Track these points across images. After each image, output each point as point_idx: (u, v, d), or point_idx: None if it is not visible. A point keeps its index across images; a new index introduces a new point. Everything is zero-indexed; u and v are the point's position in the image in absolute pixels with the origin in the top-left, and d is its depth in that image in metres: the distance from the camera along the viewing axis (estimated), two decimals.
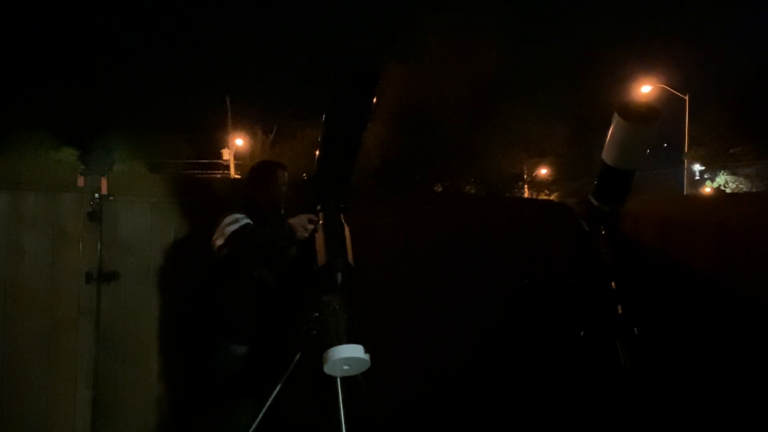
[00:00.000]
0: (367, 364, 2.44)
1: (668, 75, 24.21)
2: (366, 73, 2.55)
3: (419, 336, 4.17)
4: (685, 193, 22.86)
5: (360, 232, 2.80)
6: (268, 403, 2.62)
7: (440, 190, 19.54)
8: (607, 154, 2.87)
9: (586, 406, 3.19)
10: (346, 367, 2.42)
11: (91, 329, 3.51)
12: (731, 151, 21.64)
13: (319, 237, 2.66)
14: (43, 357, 3.42)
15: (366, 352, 2.42)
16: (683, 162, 24.64)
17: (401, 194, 5.77)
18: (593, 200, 3.01)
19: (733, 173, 22.62)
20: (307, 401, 2.61)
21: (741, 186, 21.83)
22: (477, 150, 19.24)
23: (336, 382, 2.46)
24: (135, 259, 3.61)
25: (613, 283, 2.82)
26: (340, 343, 2.40)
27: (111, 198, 3.57)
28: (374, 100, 2.59)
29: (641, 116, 2.76)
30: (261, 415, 2.63)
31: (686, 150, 23.45)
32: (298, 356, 2.63)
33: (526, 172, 23.88)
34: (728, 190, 21.98)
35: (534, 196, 21.75)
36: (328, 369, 2.39)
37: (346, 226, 2.71)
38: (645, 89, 23.67)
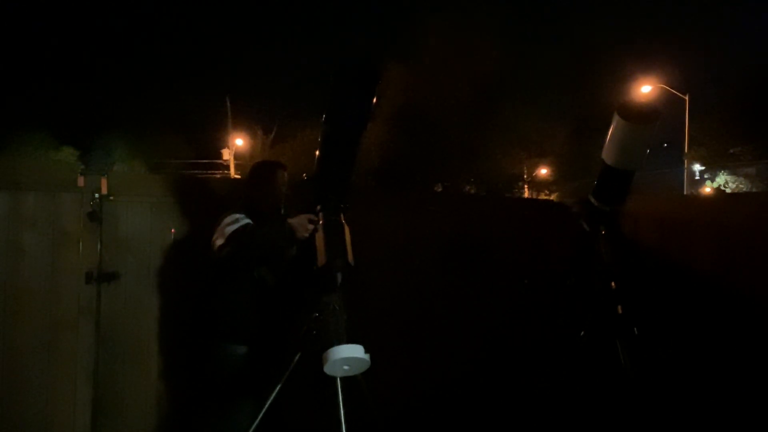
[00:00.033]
0: (367, 364, 2.44)
1: (668, 75, 24.26)
2: (366, 73, 2.55)
3: (419, 336, 4.17)
4: (685, 193, 22.85)
5: (360, 232, 2.80)
6: (268, 403, 2.62)
7: (440, 190, 19.55)
8: (607, 154, 2.87)
9: (586, 406, 3.18)
10: (346, 367, 2.42)
11: (91, 329, 3.51)
12: (731, 151, 21.65)
13: (319, 237, 2.66)
14: (43, 357, 3.42)
15: (366, 352, 2.42)
16: (683, 162, 24.64)
17: (401, 194, 5.78)
18: (593, 200, 3.01)
19: (733, 173, 22.63)
20: (307, 401, 2.61)
21: (741, 186, 21.83)
22: (477, 150, 19.25)
23: (336, 382, 2.46)
24: (135, 259, 3.61)
25: (613, 283, 2.82)
26: (340, 343, 2.40)
27: (111, 198, 3.57)
28: (374, 100, 2.58)
29: (641, 116, 2.76)
30: (261, 415, 2.63)
31: (686, 150, 23.45)
32: (298, 356, 2.63)
33: (526, 172, 23.89)
34: (728, 190, 21.98)
35: (534, 196, 21.75)
36: (328, 369, 2.39)
37: (346, 226, 2.71)
38: (645, 89, 23.67)
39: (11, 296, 3.37)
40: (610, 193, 2.97)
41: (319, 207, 2.75)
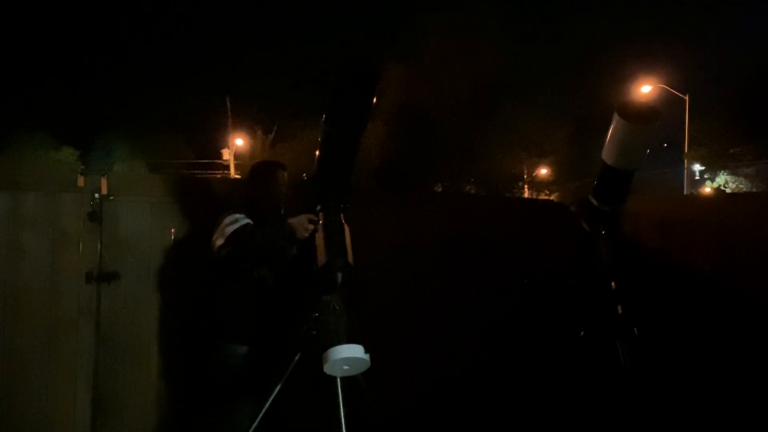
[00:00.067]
0: (367, 364, 2.44)
1: (668, 75, 24.25)
2: (366, 73, 2.55)
3: (419, 336, 4.17)
4: (685, 193, 22.85)
5: (360, 232, 2.80)
6: (268, 403, 2.62)
7: (440, 190, 19.54)
8: (607, 154, 2.86)
9: (586, 406, 3.18)
10: (346, 367, 2.42)
11: (91, 329, 3.51)
12: (731, 151, 21.64)
13: (319, 237, 2.66)
14: (43, 357, 3.42)
15: (366, 352, 2.42)
16: (683, 162, 24.63)
17: (401, 194, 5.78)
18: (593, 200, 3.00)
19: (733, 173, 22.62)
20: (307, 401, 2.61)
21: (741, 186, 21.82)
22: (477, 150, 19.24)
23: (336, 382, 2.46)
24: (135, 259, 3.61)
25: (613, 283, 2.81)
26: (340, 343, 2.40)
27: (111, 198, 3.57)
28: (374, 100, 2.58)
29: (641, 116, 2.75)
30: (261, 415, 2.63)
31: (686, 150, 23.45)
32: (298, 356, 2.63)
33: (526, 172, 23.87)
34: (728, 190, 21.97)
35: (534, 196, 21.74)
36: (328, 369, 2.39)
37: (346, 226, 2.70)
38: (645, 89, 23.67)
39: (11, 296, 3.37)
40: (610, 193, 2.97)
41: (319, 207, 2.75)
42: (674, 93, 23.51)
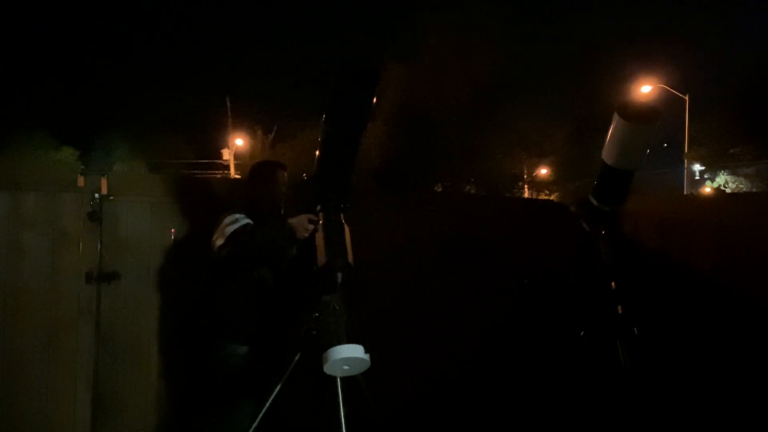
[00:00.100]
0: (367, 364, 2.44)
1: (668, 75, 24.25)
2: (366, 73, 2.55)
3: (419, 336, 4.16)
4: (685, 193, 22.85)
5: (360, 232, 2.80)
6: (268, 403, 2.62)
7: (440, 190, 19.54)
8: (607, 154, 2.86)
9: (586, 406, 3.18)
10: (346, 367, 2.42)
11: (91, 329, 3.51)
12: (731, 151, 21.63)
13: (319, 237, 2.66)
14: (43, 357, 3.42)
15: (366, 352, 2.42)
16: (683, 162, 24.63)
17: (401, 194, 5.78)
18: (593, 200, 3.00)
19: (733, 173, 22.62)
20: (307, 401, 2.61)
21: (741, 186, 21.81)
22: (477, 150, 19.23)
23: (336, 382, 2.46)
24: (135, 259, 3.61)
25: (613, 283, 2.82)
26: (340, 343, 2.40)
27: (111, 198, 3.57)
28: (374, 100, 2.58)
29: (641, 116, 2.75)
30: (261, 415, 2.63)
31: (686, 150, 23.45)
32: (298, 356, 2.63)
33: (526, 172, 23.87)
34: (728, 190, 21.97)
35: (534, 196, 21.74)
36: (328, 369, 2.39)
37: (346, 226, 2.70)
38: (645, 89, 23.67)
39: (11, 296, 3.37)
40: (610, 193, 2.97)
41: (319, 207, 2.75)
42: (674, 93, 23.51)
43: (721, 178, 22.93)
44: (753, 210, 3.93)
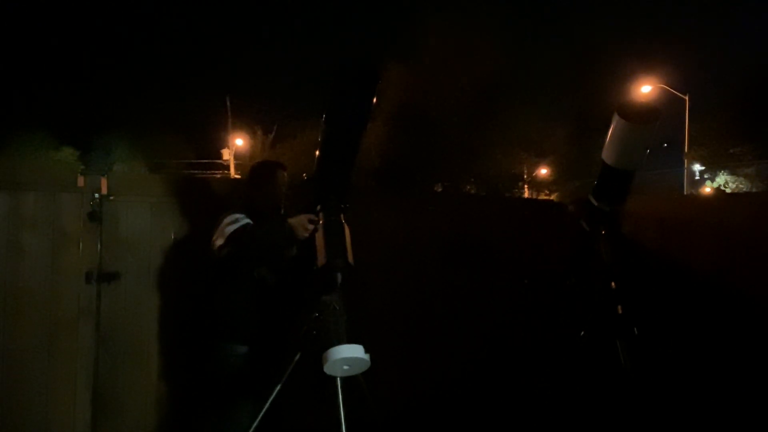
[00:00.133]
0: (367, 364, 2.44)
1: (668, 75, 24.24)
2: (366, 73, 2.55)
3: (419, 336, 4.17)
4: (685, 193, 22.84)
5: (360, 232, 2.80)
6: (268, 403, 2.62)
7: (440, 190, 19.53)
8: (607, 154, 2.86)
9: (586, 406, 3.18)
10: (346, 367, 2.42)
11: (91, 329, 3.51)
12: (731, 151, 21.62)
13: (319, 237, 2.66)
14: (43, 357, 3.42)
15: (366, 352, 2.42)
16: (683, 162, 24.62)
17: (401, 194, 5.78)
18: (593, 200, 3.00)
19: (733, 173, 22.61)
20: (307, 401, 2.61)
21: (741, 186, 21.80)
22: (477, 150, 19.21)
23: (336, 382, 2.46)
24: (135, 259, 3.62)
25: (613, 283, 2.82)
26: (340, 343, 2.40)
27: (111, 198, 3.57)
28: (374, 100, 2.58)
29: (641, 116, 2.75)
30: (261, 415, 2.63)
31: (686, 150, 23.44)
32: (298, 356, 2.63)
33: (526, 172, 23.84)
34: (728, 190, 21.97)
35: (534, 196, 21.73)
36: (328, 369, 2.39)
37: (346, 226, 2.70)
38: (645, 89, 23.66)
39: (11, 296, 3.37)
40: (610, 193, 2.97)
41: (319, 207, 2.75)
42: (674, 93, 23.51)
43: (721, 178, 22.93)
44: (753, 210, 3.93)
